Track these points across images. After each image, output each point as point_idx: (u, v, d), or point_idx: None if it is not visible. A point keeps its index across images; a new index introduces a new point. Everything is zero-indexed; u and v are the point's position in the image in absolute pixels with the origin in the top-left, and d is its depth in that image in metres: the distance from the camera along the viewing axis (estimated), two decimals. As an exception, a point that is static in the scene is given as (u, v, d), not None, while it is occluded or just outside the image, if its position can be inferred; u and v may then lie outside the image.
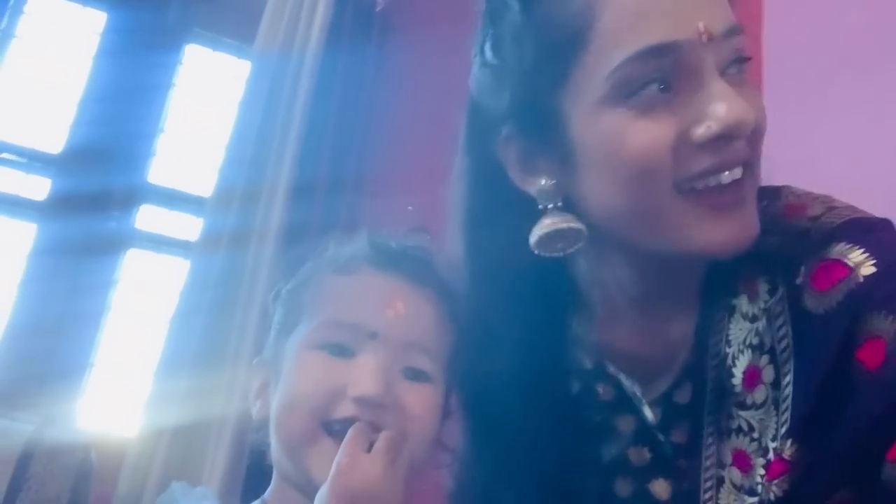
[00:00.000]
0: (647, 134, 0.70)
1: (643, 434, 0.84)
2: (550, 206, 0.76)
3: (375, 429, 0.80)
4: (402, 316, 0.84)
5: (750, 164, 0.71)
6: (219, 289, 2.14)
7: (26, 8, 2.53)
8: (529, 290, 0.81)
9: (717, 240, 0.70)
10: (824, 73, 1.59)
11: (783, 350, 0.71)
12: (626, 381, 0.85)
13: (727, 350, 0.76)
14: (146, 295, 2.43)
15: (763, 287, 0.74)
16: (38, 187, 2.40)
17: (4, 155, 2.39)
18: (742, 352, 0.75)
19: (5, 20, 2.47)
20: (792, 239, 0.72)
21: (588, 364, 0.87)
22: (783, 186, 0.79)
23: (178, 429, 1.99)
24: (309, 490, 0.80)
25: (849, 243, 0.67)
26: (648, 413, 0.83)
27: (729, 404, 0.76)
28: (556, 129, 0.74)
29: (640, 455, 0.84)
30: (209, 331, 2.10)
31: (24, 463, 1.60)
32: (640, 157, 0.70)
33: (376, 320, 0.84)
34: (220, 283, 2.15)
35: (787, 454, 0.68)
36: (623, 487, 0.85)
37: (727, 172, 0.69)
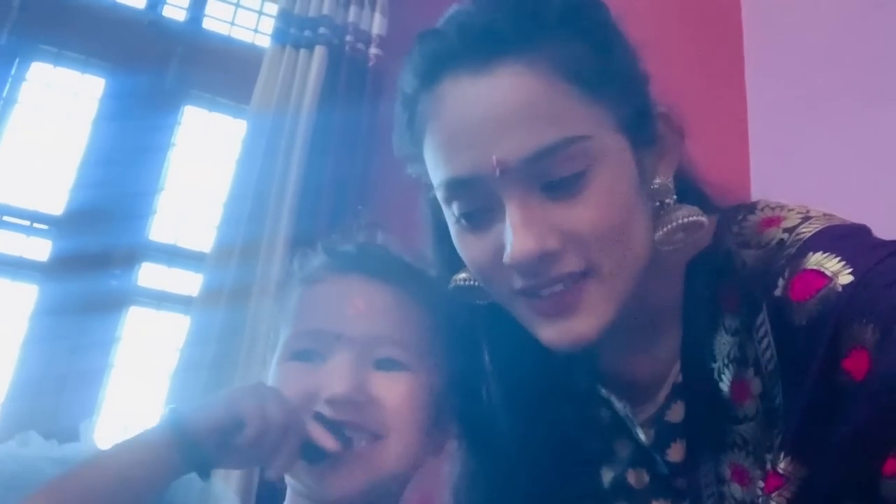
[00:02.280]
0: (471, 249, 0.75)
1: (641, 456, 0.85)
2: None
3: (355, 427, 0.81)
4: (364, 312, 0.85)
5: (586, 273, 0.71)
6: (219, 343, 2.14)
7: (28, 75, 2.57)
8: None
9: (552, 340, 0.73)
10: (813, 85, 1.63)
11: (768, 362, 0.71)
12: (618, 403, 0.86)
13: (713, 365, 0.76)
14: (148, 351, 2.43)
15: (743, 300, 0.73)
16: (40, 249, 2.40)
17: (6, 218, 2.40)
18: (727, 366, 0.75)
19: (7, 87, 2.52)
20: (769, 251, 0.72)
21: (583, 386, 0.88)
22: (758, 200, 0.80)
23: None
24: (322, 501, 0.83)
25: (825, 252, 0.67)
26: (641, 434, 0.84)
27: (721, 420, 0.76)
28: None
29: (639, 477, 0.85)
30: (210, 385, 2.09)
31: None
32: (474, 267, 0.76)
33: (337, 322, 0.85)
34: (221, 338, 2.15)
35: (781, 468, 0.68)
36: None
37: (545, 289, 0.71)
